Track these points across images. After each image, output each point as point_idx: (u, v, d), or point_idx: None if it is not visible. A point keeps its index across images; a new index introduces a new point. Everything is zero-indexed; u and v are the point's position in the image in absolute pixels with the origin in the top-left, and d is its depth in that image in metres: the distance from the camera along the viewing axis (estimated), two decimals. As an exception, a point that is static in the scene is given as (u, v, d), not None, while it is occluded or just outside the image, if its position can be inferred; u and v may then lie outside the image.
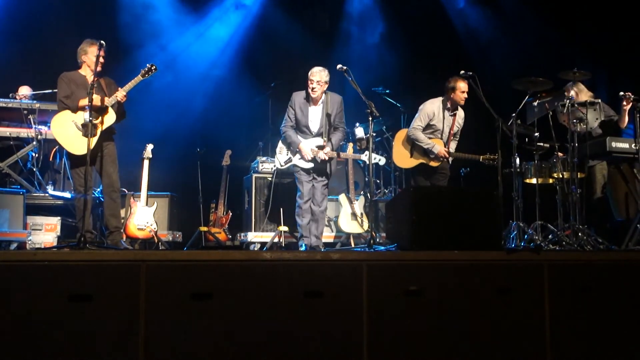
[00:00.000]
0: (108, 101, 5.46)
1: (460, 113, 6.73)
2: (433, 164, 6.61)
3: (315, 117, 6.28)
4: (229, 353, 3.63)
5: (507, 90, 6.27)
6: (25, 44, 8.08)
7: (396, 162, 6.94)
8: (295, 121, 6.31)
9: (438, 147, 6.52)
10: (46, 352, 3.40)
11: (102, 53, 5.40)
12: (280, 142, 6.47)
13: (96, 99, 5.28)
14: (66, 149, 5.45)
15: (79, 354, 3.44)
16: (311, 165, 6.26)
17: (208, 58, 9.33)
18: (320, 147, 6.23)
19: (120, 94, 5.48)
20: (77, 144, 5.38)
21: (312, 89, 6.20)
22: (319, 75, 6.19)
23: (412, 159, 6.70)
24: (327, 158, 6.28)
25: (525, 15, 9.45)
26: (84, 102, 5.32)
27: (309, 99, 6.27)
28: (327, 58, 8.24)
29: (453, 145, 6.71)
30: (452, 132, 6.66)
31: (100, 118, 5.40)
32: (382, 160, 6.86)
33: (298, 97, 6.30)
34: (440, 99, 6.71)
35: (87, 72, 5.58)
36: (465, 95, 6.59)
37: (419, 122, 6.66)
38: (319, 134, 6.29)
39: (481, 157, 6.44)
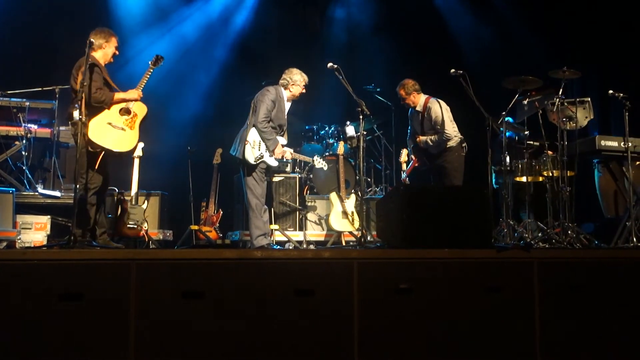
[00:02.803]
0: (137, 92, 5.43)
1: (428, 110, 6.63)
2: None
3: (286, 116, 6.28)
4: (220, 351, 3.63)
5: (498, 88, 6.29)
6: (14, 41, 8.03)
7: None
8: (270, 117, 6.10)
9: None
10: (36, 352, 3.39)
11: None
12: (251, 134, 6.06)
13: (130, 93, 5.35)
14: (114, 150, 5.22)
15: (70, 353, 3.43)
16: (277, 163, 6.24)
17: (199, 56, 9.31)
18: (283, 146, 6.23)
19: (138, 93, 5.42)
20: (124, 142, 5.27)
21: (303, 93, 6.25)
22: (307, 80, 6.26)
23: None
24: (290, 158, 6.43)
25: (516, 13, 9.49)
26: (120, 95, 5.31)
27: (283, 96, 6.18)
28: (318, 56, 8.25)
29: (424, 138, 6.67)
30: (421, 130, 6.73)
31: (132, 112, 5.35)
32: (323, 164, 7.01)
33: (276, 93, 6.15)
34: None
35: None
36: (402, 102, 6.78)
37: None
38: (283, 134, 6.30)
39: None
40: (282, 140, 6.24)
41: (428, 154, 6.72)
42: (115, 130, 5.24)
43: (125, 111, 5.34)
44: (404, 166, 7.20)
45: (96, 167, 5.25)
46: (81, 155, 4.99)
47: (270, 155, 6.10)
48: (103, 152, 5.26)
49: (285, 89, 6.21)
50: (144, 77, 5.49)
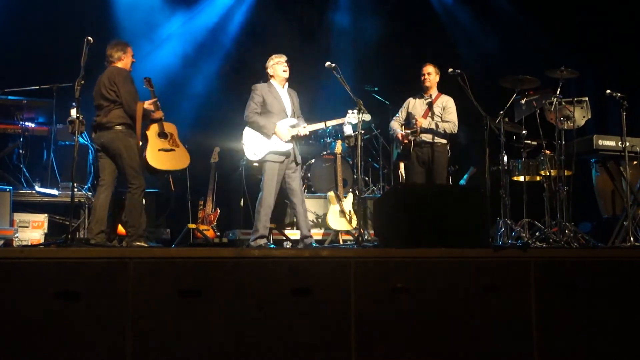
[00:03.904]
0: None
1: (442, 99, 6.53)
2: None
3: (286, 99, 6.13)
4: (217, 350, 3.63)
5: (495, 88, 6.29)
6: (12, 39, 8.01)
7: None
8: (267, 108, 6.03)
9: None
10: (33, 351, 3.38)
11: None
12: (245, 134, 6.03)
13: (157, 113, 5.67)
14: (177, 169, 5.83)
15: (66, 353, 3.42)
16: (290, 146, 6.04)
17: (196, 55, 9.31)
18: (293, 126, 6.11)
19: (161, 113, 5.75)
20: (180, 159, 5.74)
21: (285, 70, 6.12)
22: (284, 57, 6.17)
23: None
24: (308, 132, 6.18)
25: (513, 13, 9.50)
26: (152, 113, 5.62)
27: (273, 85, 6.12)
28: (316, 56, 8.24)
29: (428, 119, 6.47)
30: (426, 116, 6.51)
31: (168, 134, 5.72)
32: (368, 117, 6.63)
33: (262, 87, 6.11)
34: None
35: None
36: (425, 77, 6.52)
37: (398, 113, 6.77)
38: (291, 115, 6.21)
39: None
40: (290, 121, 6.07)
41: (415, 146, 6.53)
42: (168, 153, 5.64)
43: (162, 135, 5.67)
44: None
45: (173, 189, 6.00)
46: (134, 157, 5.33)
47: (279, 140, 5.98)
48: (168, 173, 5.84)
49: (271, 77, 6.15)
50: (153, 98, 5.72)
